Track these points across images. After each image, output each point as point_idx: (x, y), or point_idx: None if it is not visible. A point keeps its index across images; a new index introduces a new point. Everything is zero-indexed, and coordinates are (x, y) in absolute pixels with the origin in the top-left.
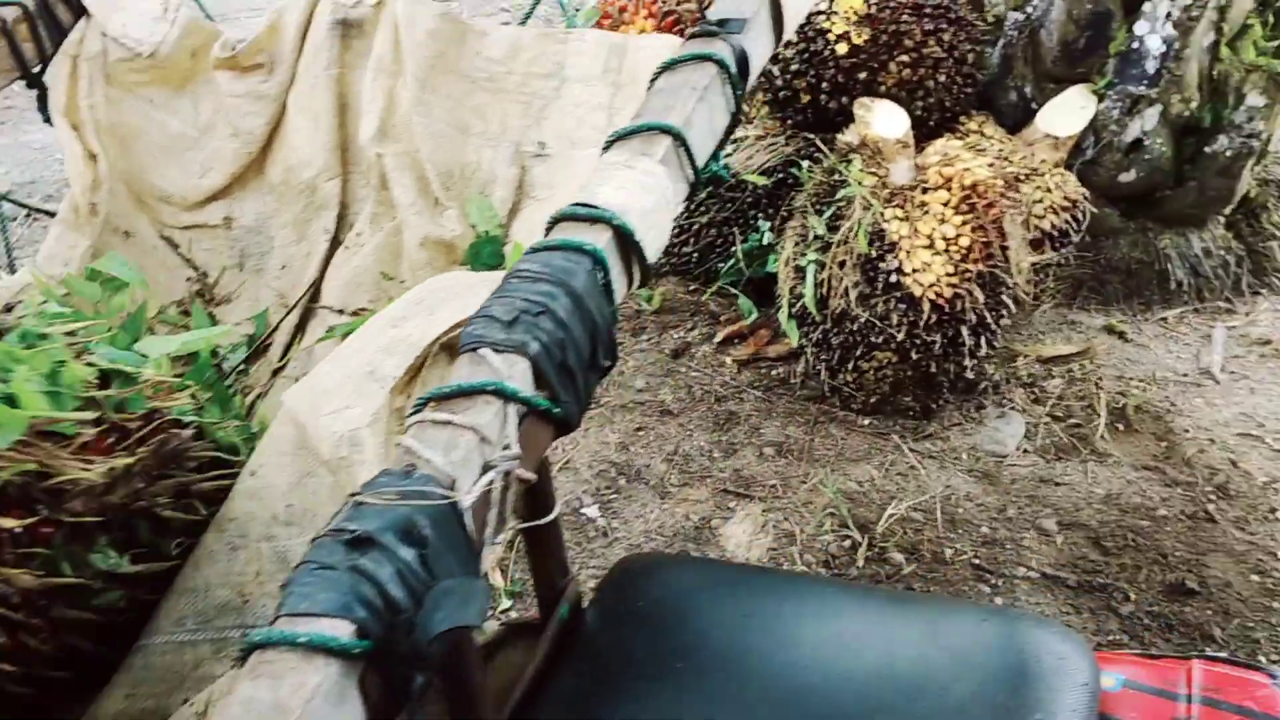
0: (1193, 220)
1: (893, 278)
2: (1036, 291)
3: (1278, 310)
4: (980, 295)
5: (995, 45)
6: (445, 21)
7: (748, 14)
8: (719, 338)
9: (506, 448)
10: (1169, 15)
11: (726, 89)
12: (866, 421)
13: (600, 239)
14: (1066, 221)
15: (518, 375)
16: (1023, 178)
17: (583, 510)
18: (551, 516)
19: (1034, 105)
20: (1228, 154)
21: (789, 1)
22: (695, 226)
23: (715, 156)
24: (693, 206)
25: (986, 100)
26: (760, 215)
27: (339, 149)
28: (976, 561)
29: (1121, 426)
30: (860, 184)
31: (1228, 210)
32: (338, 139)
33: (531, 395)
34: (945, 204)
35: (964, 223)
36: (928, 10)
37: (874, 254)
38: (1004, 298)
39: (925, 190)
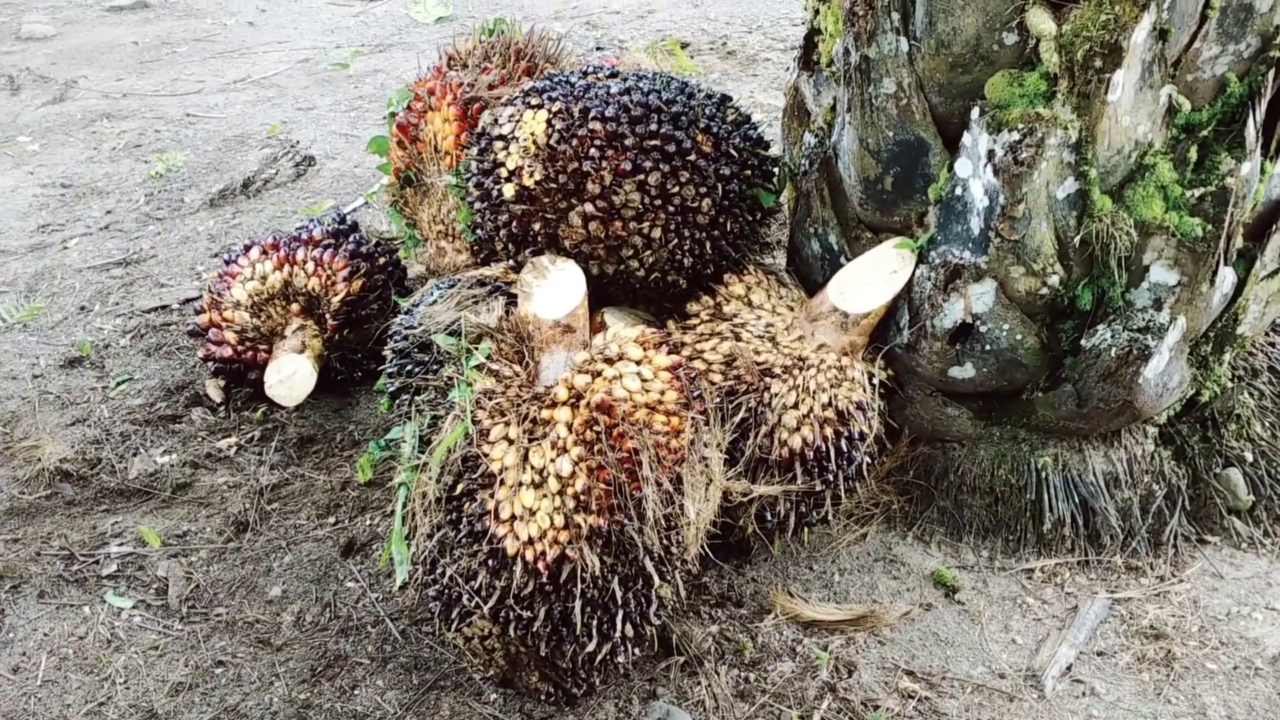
0: (1080, 432)
1: (481, 523)
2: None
3: (1216, 577)
4: (595, 562)
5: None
6: None
7: None
8: None
9: None
10: (990, 154)
11: None
12: (495, 697)
13: None
14: (827, 439)
15: None
16: (779, 372)
17: None
18: None
19: (844, 259)
20: (1113, 353)
21: None
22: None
23: None
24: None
25: (795, 249)
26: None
27: None
28: None
29: None
30: (468, 385)
31: (1162, 419)
32: None
33: None
34: (569, 427)
35: (582, 458)
36: (629, 144)
37: (460, 488)
38: (647, 565)
39: (553, 405)
